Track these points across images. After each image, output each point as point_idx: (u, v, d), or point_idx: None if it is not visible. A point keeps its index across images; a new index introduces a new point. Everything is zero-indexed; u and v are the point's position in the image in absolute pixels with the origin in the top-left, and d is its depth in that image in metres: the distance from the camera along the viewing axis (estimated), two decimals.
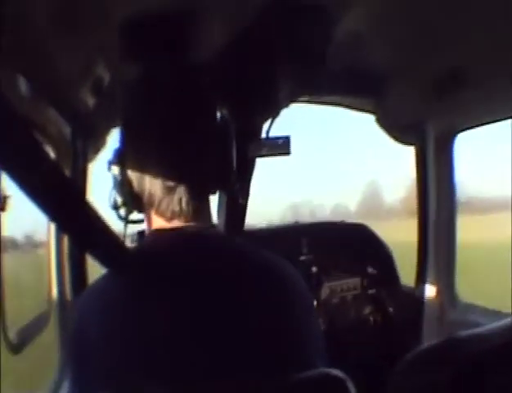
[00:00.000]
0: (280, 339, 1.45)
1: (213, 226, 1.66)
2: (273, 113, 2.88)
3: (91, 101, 2.46)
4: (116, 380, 1.37)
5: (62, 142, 2.59)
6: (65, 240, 2.99)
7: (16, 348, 2.13)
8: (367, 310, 3.66)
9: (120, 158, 1.58)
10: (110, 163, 1.61)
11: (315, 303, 3.38)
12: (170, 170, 1.52)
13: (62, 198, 1.17)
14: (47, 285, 2.97)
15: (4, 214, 1.99)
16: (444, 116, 3.16)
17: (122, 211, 1.65)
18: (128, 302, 1.46)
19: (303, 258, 3.58)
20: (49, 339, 3.00)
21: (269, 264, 1.56)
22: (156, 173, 1.52)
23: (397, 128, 3.49)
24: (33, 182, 1.08)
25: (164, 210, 1.54)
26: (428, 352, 1.43)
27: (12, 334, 2.13)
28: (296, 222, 4.05)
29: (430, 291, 3.54)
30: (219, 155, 1.60)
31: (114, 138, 2.99)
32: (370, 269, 3.69)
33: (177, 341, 1.40)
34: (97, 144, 2.98)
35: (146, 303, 1.44)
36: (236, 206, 3.46)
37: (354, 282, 3.65)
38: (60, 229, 2.62)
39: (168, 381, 1.35)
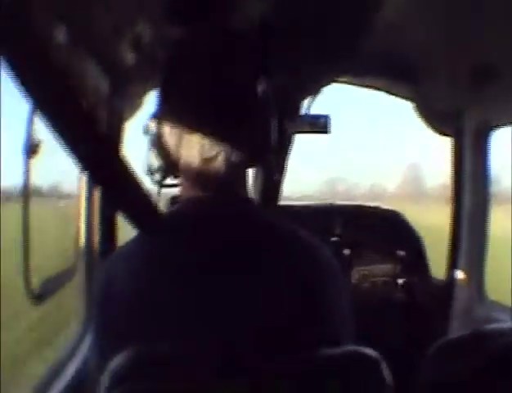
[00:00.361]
0: (310, 315, 1.44)
1: (249, 198, 1.65)
2: (313, 90, 2.88)
3: (129, 57, 2.47)
4: (140, 342, 1.36)
5: (98, 97, 2.60)
6: (97, 194, 3.01)
7: (38, 298, 2.14)
8: (396, 297, 3.69)
9: (158, 122, 1.58)
10: (147, 126, 1.61)
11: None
12: (208, 139, 1.51)
13: (97, 149, 1.18)
14: (75, 239, 2.98)
15: (33, 161, 2.00)
16: (481, 108, 3.14)
17: (156, 176, 1.65)
18: (157, 267, 1.46)
19: (335, 239, 3.60)
20: (73, 293, 3.03)
21: (303, 240, 1.55)
22: (194, 141, 1.51)
23: (435, 117, 3.48)
24: (70, 129, 1.09)
25: (200, 178, 1.54)
26: (457, 342, 1.44)
27: (35, 284, 2.15)
28: (330, 203, 4.04)
29: (460, 282, 3.53)
30: (259, 127, 1.58)
31: (150, 101, 3.03)
32: (401, 256, 3.70)
33: (203, 308, 1.40)
34: (133, 104, 3.00)
35: (176, 269, 1.44)
36: (272, 182, 3.47)
37: (385, 267, 3.69)
38: (93, 182, 2.64)
39: (195, 346, 1.34)
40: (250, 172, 1.68)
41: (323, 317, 1.47)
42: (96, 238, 3.09)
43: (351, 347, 1.38)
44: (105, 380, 1.21)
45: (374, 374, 1.27)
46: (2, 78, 1.13)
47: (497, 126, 3.25)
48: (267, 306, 1.41)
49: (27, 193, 2.01)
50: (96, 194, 3.01)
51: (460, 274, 3.52)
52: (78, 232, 2.99)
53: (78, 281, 2.97)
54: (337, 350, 1.35)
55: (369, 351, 1.29)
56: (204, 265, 1.44)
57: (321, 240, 1.58)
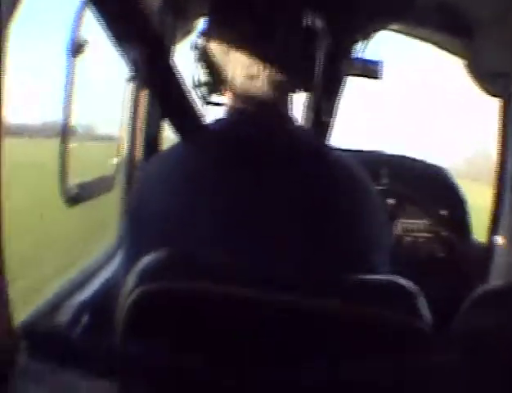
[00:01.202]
0: (349, 232, 1.49)
1: (291, 118, 1.67)
2: (366, 33, 2.89)
3: None
4: (172, 245, 1.39)
5: (150, 16, 2.61)
6: (141, 108, 3.05)
7: (73, 199, 2.21)
8: (437, 254, 3.68)
9: (206, 38, 1.62)
10: (196, 42, 1.65)
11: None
12: (253, 58, 1.55)
13: (149, 49, 1.23)
14: (117, 149, 3.02)
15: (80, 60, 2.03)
16: None
17: (202, 90, 1.68)
18: (198, 173, 1.50)
19: (380, 188, 3.58)
20: (111, 203, 3.09)
21: (347, 161, 1.60)
22: (239, 59, 1.55)
23: (486, 76, 3.43)
24: (125, 25, 1.14)
25: (244, 95, 1.58)
26: (492, 293, 1.46)
27: (72, 185, 2.20)
28: (378, 151, 4.03)
29: (501, 245, 3.52)
30: (305, 54, 1.62)
31: (201, 25, 3.04)
32: (445, 214, 3.68)
33: (243, 221, 1.44)
34: (185, 26, 3.01)
35: (216, 176, 1.49)
36: (321, 123, 3.47)
37: (427, 223, 3.67)
38: (141, 83, 2.68)
39: (231, 252, 1.37)
40: (299, 110, 1.71)
41: (361, 241, 1.51)
42: (139, 149, 3.12)
43: (390, 277, 1.39)
44: (131, 277, 1.24)
45: (410, 305, 1.28)
46: None
47: None
48: (306, 217, 1.46)
49: (70, 95, 2.06)
50: (142, 103, 3.04)
51: (500, 238, 3.53)
52: (120, 138, 3.03)
53: (116, 192, 3.02)
54: (376, 278, 1.39)
55: (408, 283, 1.30)
56: (243, 179, 1.48)
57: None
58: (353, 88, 3.39)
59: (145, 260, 1.25)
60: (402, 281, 1.31)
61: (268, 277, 1.29)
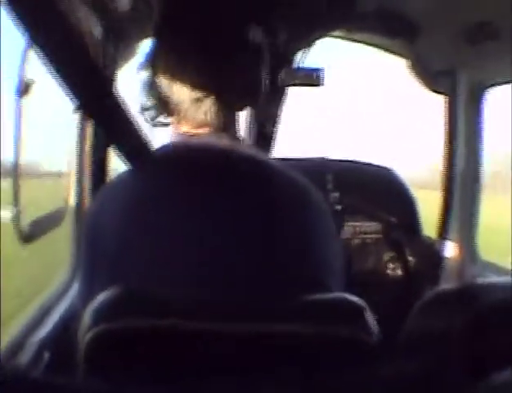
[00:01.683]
0: (300, 257, 1.46)
1: (240, 139, 1.67)
2: (307, 43, 2.89)
3: (124, 3, 2.47)
4: (127, 277, 1.40)
5: (92, 43, 2.58)
6: (87, 139, 3.01)
7: (27, 238, 2.17)
8: (387, 256, 3.66)
9: (151, 62, 1.61)
10: (141, 66, 1.64)
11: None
12: (199, 80, 1.54)
13: (91, 83, 1.20)
14: (66, 182, 3.00)
15: (27, 99, 2.02)
16: (475, 66, 3.15)
17: (148, 114, 1.67)
18: (147, 199, 1.48)
19: (326, 194, 3.58)
20: (63, 236, 3.05)
21: (295, 182, 1.57)
22: (185, 82, 1.54)
23: (429, 75, 3.47)
24: (66, 63, 1.10)
25: (191, 117, 1.56)
26: (442, 295, 1.43)
27: (25, 224, 2.17)
28: (323, 157, 4.00)
29: (451, 244, 3.56)
30: (249, 71, 1.60)
31: (145, 47, 3.02)
32: (393, 215, 3.68)
33: (193, 245, 1.41)
34: (127, 51, 2.98)
35: (165, 202, 1.46)
36: (264, 135, 3.47)
37: (376, 225, 3.66)
38: (87, 116, 2.63)
39: (180, 284, 1.36)
40: (243, 125, 1.70)
41: (311, 260, 1.48)
42: (87, 182, 3.09)
43: (337, 294, 1.41)
44: (86, 317, 1.22)
45: (358, 321, 1.28)
46: None
47: (491, 86, 3.26)
48: (254, 245, 1.43)
49: (19, 134, 2.02)
50: (88, 134, 3.02)
51: (452, 234, 3.55)
52: (69, 177, 3.00)
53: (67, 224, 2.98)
54: (324, 296, 1.37)
55: (354, 299, 1.30)
56: (193, 202, 1.45)
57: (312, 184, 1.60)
58: (296, 96, 3.39)
59: (100, 298, 1.24)
60: (349, 296, 1.32)
61: (218, 307, 1.28)
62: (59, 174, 3.14)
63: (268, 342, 1.26)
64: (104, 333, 1.20)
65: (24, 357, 2.07)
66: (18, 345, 2.11)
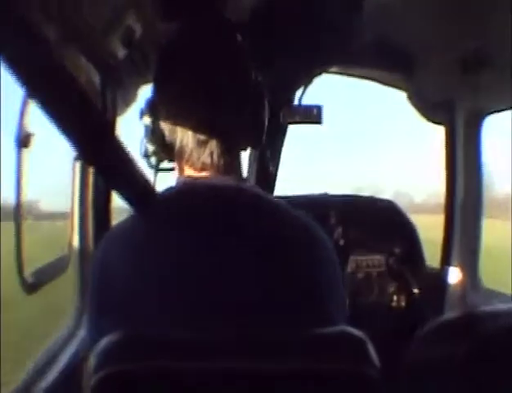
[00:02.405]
0: (304, 293, 1.46)
1: (244, 180, 1.69)
2: (306, 81, 2.90)
3: (121, 52, 2.47)
4: (132, 322, 1.39)
5: (91, 90, 2.59)
6: (90, 184, 3.01)
7: (31, 288, 2.15)
8: (391, 288, 3.66)
9: (152, 108, 1.62)
10: (143, 112, 1.66)
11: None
12: (202, 123, 1.55)
13: (92, 131, 1.20)
14: (69, 228, 2.98)
15: (27, 152, 2.02)
16: (472, 96, 3.15)
17: (152, 160, 1.69)
18: (153, 246, 1.48)
19: (329, 229, 3.59)
20: (66, 284, 3.03)
21: (300, 221, 1.57)
22: (188, 125, 1.55)
23: (427, 106, 3.50)
24: (65, 115, 1.11)
25: (195, 161, 1.57)
26: (445, 324, 1.43)
27: (28, 273, 2.16)
28: (325, 193, 4.02)
29: (454, 273, 3.54)
30: (251, 113, 1.63)
31: (144, 93, 3.04)
32: (395, 247, 3.68)
33: (201, 288, 1.41)
34: (127, 97, 3.00)
35: (171, 246, 1.46)
36: (266, 173, 3.48)
37: (379, 258, 3.66)
38: (88, 166, 2.66)
39: (190, 326, 1.36)
40: (245, 164, 1.70)
41: (315, 295, 1.48)
42: (91, 227, 3.09)
43: (339, 327, 1.41)
44: (92, 361, 1.22)
45: (360, 354, 1.28)
46: None
47: (489, 114, 3.27)
48: (263, 287, 1.43)
49: (20, 186, 2.02)
50: (90, 182, 3.01)
51: (454, 263, 3.53)
52: (72, 222, 2.99)
53: (71, 271, 2.96)
54: (326, 330, 1.36)
55: (355, 331, 1.30)
56: (200, 245, 1.45)
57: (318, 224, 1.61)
58: (295, 134, 3.40)
59: (104, 342, 1.24)
60: (350, 329, 1.32)
61: (222, 345, 1.28)
62: (63, 219, 3.12)
63: (270, 379, 1.26)
64: (108, 377, 1.20)
65: None
66: None
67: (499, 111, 3.21)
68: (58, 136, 1.14)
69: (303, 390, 1.26)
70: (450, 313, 1.77)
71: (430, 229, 4.06)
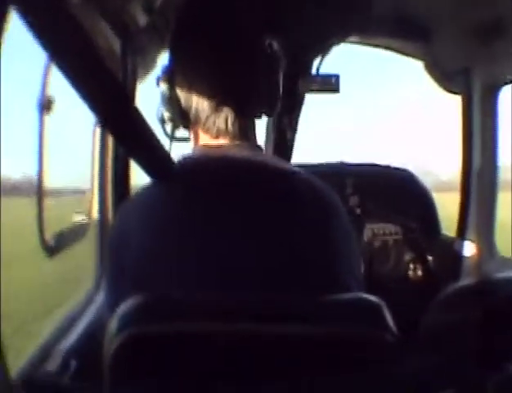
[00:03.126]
0: (321, 259, 1.48)
1: (259, 146, 1.68)
2: (324, 49, 2.90)
3: (142, 18, 2.49)
4: (152, 288, 1.40)
5: (111, 57, 2.62)
6: (109, 151, 3.04)
7: (52, 251, 2.20)
8: (407, 257, 3.67)
9: (169, 74, 1.62)
10: (159, 78, 1.66)
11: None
12: (218, 89, 1.56)
13: (112, 99, 1.23)
14: (89, 194, 3.03)
15: (48, 117, 2.04)
16: (489, 65, 3.15)
17: (168, 127, 1.70)
18: (171, 212, 1.49)
19: (346, 197, 3.61)
20: (87, 248, 3.08)
21: (316, 187, 1.58)
22: (204, 91, 1.56)
23: (445, 75, 3.48)
24: (86, 80, 1.13)
25: (211, 127, 1.58)
26: (462, 291, 1.45)
27: (49, 237, 2.20)
28: (341, 162, 4.03)
29: (470, 243, 3.54)
30: (267, 78, 1.63)
31: (163, 59, 3.04)
32: (412, 216, 3.70)
33: (216, 254, 1.43)
34: (147, 63, 2.99)
35: (190, 214, 1.47)
36: (284, 142, 3.48)
37: (396, 227, 3.68)
38: (107, 132, 2.67)
39: (210, 290, 1.38)
40: (263, 133, 1.71)
41: (334, 266, 1.49)
42: (110, 195, 3.11)
43: (355, 293, 1.42)
44: (113, 323, 1.23)
45: (377, 319, 1.28)
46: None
47: (506, 83, 3.26)
48: (277, 249, 1.44)
49: (41, 150, 2.04)
50: (109, 149, 3.04)
51: (470, 232, 3.55)
52: (92, 188, 3.03)
53: (91, 236, 3.01)
54: (343, 296, 1.38)
55: (372, 298, 1.31)
56: (218, 213, 1.46)
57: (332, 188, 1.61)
58: (314, 102, 3.40)
59: (125, 305, 1.25)
60: (367, 295, 1.32)
61: (241, 309, 1.28)
62: (82, 189, 3.14)
63: (287, 343, 1.27)
64: (130, 339, 1.21)
65: (51, 365, 2.09)
66: (45, 354, 2.14)
67: None
68: (79, 102, 1.16)
69: (320, 355, 1.27)
70: (465, 280, 1.78)
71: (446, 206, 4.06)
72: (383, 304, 1.30)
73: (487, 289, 1.40)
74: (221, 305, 1.29)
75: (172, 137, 1.72)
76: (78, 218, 2.91)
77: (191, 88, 1.58)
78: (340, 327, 1.28)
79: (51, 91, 2.06)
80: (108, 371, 1.24)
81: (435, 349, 1.35)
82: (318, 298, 1.35)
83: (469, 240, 3.51)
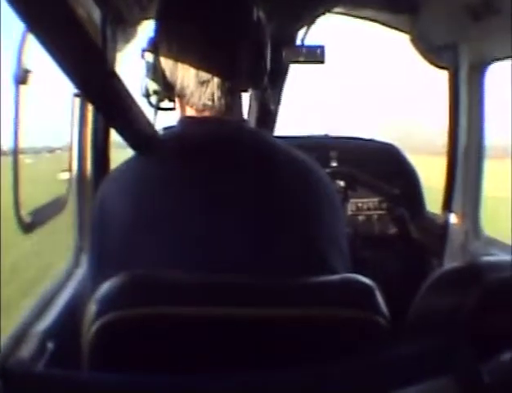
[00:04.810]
0: (304, 236, 1.47)
1: (244, 120, 1.67)
2: (309, 20, 2.87)
3: None
4: (135, 262, 1.40)
5: (91, 27, 2.55)
6: (89, 121, 3.00)
7: (28, 227, 2.17)
8: (391, 230, 3.72)
9: (155, 46, 1.60)
10: (144, 50, 1.64)
11: None
12: (204, 63, 1.53)
13: (91, 66, 1.18)
14: (67, 165, 2.96)
15: (25, 88, 2.01)
16: (478, 41, 3.12)
17: (153, 98, 1.66)
18: (155, 186, 1.49)
19: (330, 171, 3.60)
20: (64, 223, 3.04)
21: (300, 161, 1.58)
22: (189, 65, 1.53)
23: (432, 49, 3.45)
24: (65, 48, 1.09)
25: (196, 101, 1.55)
26: (451, 274, 1.44)
27: (25, 213, 2.16)
28: (326, 135, 4.06)
29: (455, 219, 3.53)
30: (253, 52, 1.60)
31: (144, 30, 3.01)
32: (396, 190, 3.72)
33: (199, 226, 1.42)
34: (127, 34, 2.97)
35: (173, 188, 1.46)
36: (267, 112, 3.47)
37: (380, 201, 3.71)
38: (88, 102, 2.64)
39: (188, 268, 1.34)
40: (245, 103, 1.69)
41: (317, 239, 1.49)
42: (89, 166, 3.07)
43: (346, 275, 1.40)
44: (92, 307, 1.21)
45: (369, 302, 1.27)
46: None
47: (493, 60, 3.24)
48: (260, 226, 1.44)
49: (17, 124, 2.00)
50: (89, 120, 3.00)
51: (455, 210, 3.53)
52: (70, 160, 2.98)
53: (70, 210, 2.96)
54: (332, 277, 1.36)
55: (363, 279, 1.30)
56: (200, 186, 1.46)
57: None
58: (298, 73, 3.38)
59: (106, 286, 1.23)
60: (358, 277, 1.32)
61: (226, 291, 1.28)
62: (62, 153, 3.10)
63: (276, 326, 1.26)
64: (112, 322, 1.19)
65: (27, 348, 2.05)
66: (20, 336, 2.09)
67: (503, 59, 3.17)
68: (58, 72, 1.13)
69: (310, 337, 1.26)
70: (454, 263, 1.77)
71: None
72: (374, 285, 1.29)
73: (477, 273, 1.37)
74: (200, 287, 1.28)
75: (156, 108, 1.68)
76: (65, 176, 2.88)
77: (177, 61, 1.55)
78: (330, 308, 1.27)
79: (28, 62, 2.02)
80: (87, 354, 1.22)
81: (426, 334, 1.33)
82: (306, 279, 1.33)
83: (455, 214, 3.50)
